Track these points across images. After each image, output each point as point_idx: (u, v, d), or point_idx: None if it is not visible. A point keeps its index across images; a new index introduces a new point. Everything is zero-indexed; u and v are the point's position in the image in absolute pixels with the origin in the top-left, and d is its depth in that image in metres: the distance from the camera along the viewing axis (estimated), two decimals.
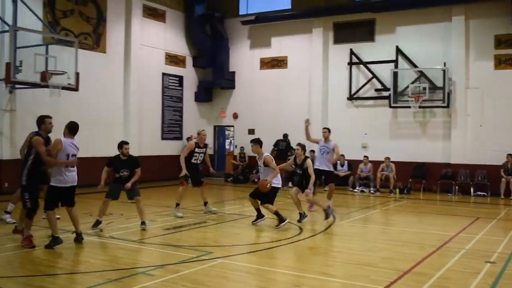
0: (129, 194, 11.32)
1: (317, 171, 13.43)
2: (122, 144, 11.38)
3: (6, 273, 7.39)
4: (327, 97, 22.52)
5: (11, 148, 16.74)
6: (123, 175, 11.18)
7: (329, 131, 14.53)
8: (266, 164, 11.67)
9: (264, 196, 11.60)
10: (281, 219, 11.42)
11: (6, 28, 15.31)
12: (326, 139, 14.34)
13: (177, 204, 12.96)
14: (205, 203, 13.65)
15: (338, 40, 22.42)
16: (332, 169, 14.50)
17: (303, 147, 12.81)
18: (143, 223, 11.15)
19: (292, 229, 11.29)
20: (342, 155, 20.10)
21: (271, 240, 10.21)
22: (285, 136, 21.93)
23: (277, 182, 11.69)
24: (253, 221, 11.96)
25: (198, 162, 13.30)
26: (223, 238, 10.55)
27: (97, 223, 10.90)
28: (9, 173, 16.40)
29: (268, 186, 11.41)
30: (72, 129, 9.42)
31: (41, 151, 8.85)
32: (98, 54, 20.09)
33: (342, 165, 20.57)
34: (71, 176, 9.28)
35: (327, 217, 12.19)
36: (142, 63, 21.87)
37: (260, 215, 11.97)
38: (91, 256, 8.43)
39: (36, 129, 9.43)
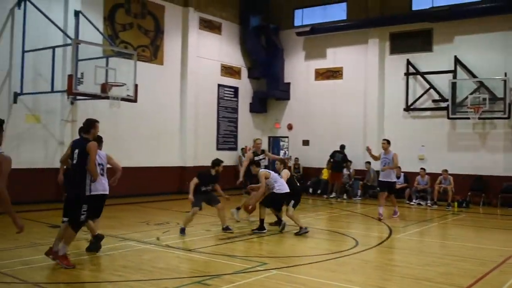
0: (211, 202, 12.04)
1: (380, 183, 15.02)
2: (219, 163, 12.17)
3: (56, 279, 7.60)
4: (383, 108, 22.25)
5: None
6: (208, 189, 11.88)
7: (388, 142, 15.09)
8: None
9: (272, 203, 12.06)
10: (261, 227, 12.01)
11: (69, 41, 15.80)
12: (386, 150, 14.95)
13: (238, 208, 13.79)
14: (237, 208, 14.17)
15: (394, 50, 22.17)
16: (394, 180, 15.25)
17: (282, 161, 13.39)
18: (226, 228, 11.93)
19: (347, 242, 11.18)
20: (398, 167, 19.83)
21: (326, 252, 10.13)
22: (342, 147, 21.75)
23: (279, 188, 11.94)
24: (280, 230, 12.15)
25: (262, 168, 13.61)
26: (278, 249, 10.53)
27: (182, 230, 11.53)
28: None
29: (249, 208, 12.32)
30: (99, 140, 9.33)
31: (92, 159, 8.30)
32: (156, 66, 20.53)
33: (398, 177, 20.19)
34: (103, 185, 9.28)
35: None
36: (198, 74, 22.19)
37: (280, 221, 12.36)
38: (149, 264, 8.56)
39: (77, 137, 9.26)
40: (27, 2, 16.14)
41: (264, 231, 12.01)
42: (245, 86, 25.06)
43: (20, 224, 6.24)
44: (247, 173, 13.44)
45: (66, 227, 8.41)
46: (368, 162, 21.27)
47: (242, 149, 24.10)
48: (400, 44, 22.10)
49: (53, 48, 15.81)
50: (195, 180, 11.68)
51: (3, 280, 7.43)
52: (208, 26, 23.06)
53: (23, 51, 16.11)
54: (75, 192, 8.37)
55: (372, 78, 22.39)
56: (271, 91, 24.88)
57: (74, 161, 8.42)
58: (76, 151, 8.40)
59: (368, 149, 15.28)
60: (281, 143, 26.60)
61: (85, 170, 8.31)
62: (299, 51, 24.88)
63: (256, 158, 13.51)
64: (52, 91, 16.05)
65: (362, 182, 21.35)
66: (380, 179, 15.37)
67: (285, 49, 25.08)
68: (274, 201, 12.15)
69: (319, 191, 21.84)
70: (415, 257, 9.95)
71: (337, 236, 12.08)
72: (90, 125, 8.64)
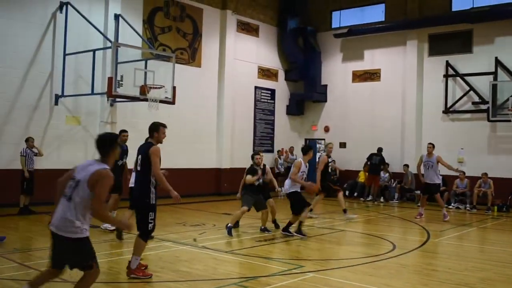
0: (257, 206, 12.17)
1: (425, 185, 15.62)
2: (253, 155, 12.36)
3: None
4: (422, 110, 21.96)
5: None
6: (260, 183, 12.07)
7: (433, 146, 15.47)
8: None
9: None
10: (265, 229, 12.16)
11: (109, 44, 16.08)
12: (430, 154, 15.31)
13: (345, 210, 14.42)
14: (344, 210, 14.68)
15: (433, 52, 21.87)
16: (437, 182, 15.49)
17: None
18: (264, 229, 12.18)
19: (385, 245, 11.09)
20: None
21: (363, 255, 10.06)
22: (380, 150, 21.56)
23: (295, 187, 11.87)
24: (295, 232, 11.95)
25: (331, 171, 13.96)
26: (314, 252, 10.50)
27: (230, 229, 11.73)
28: None
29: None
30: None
31: (155, 162, 7.80)
32: (194, 68, 20.71)
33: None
34: None
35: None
36: (236, 76, 22.30)
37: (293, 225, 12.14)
38: (186, 266, 8.64)
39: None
40: (69, 6, 16.51)
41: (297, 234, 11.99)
42: (282, 88, 25.06)
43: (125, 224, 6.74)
44: (324, 176, 14.28)
45: (136, 238, 7.99)
46: (406, 165, 21.05)
47: (278, 151, 24.11)
48: (439, 45, 21.79)
49: (94, 51, 16.11)
50: (244, 178, 12.06)
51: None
52: (246, 28, 23.15)
53: (65, 54, 16.48)
54: (140, 200, 7.92)
55: (410, 80, 22.13)
56: (308, 93, 24.83)
57: (138, 168, 8.00)
58: (139, 157, 7.99)
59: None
60: (318, 146, 26.49)
61: (148, 177, 7.81)
62: (337, 53, 24.76)
63: (330, 160, 14.66)
64: (92, 93, 16.36)
65: (400, 185, 21.12)
66: (425, 181, 15.62)
67: (323, 51, 24.99)
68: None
69: (355, 194, 21.68)
70: (454, 262, 9.80)
71: (374, 239, 11.98)
72: (153, 128, 8.06)
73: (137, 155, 8.08)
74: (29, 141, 14.60)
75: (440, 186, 16.20)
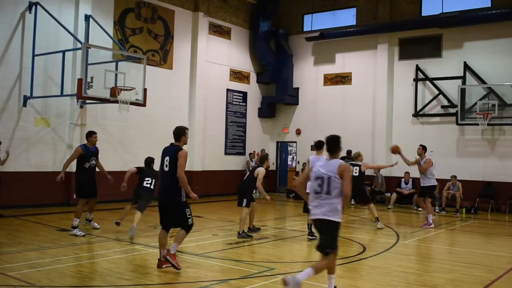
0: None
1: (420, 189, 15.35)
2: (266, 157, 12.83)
3: (63, 283, 7.62)
4: (392, 113, 22.22)
5: None
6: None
7: (423, 148, 15.06)
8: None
9: None
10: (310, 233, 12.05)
11: (79, 45, 15.88)
12: (421, 155, 14.95)
13: (377, 219, 14.16)
14: (377, 218, 14.46)
15: (403, 56, 22.14)
16: (425, 184, 14.95)
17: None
18: (239, 233, 12.02)
19: (355, 247, 11.16)
20: (407, 173, 19.84)
21: None
22: (349, 152, 21.68)
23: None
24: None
25: (356, 174, 14.36)
26: (285, 254, 10.51)
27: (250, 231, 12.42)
28: None
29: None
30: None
31: (182, 165, 8.42)
32: (165, 71, 20.60)
33: (406, 183, 20.21)
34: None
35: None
36: (207, 79, 22.24)
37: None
38: (157, 269, 8.56)
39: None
40: (38, 6, 16.26)
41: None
42: (254, 91, 25.09)
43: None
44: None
45: (163, 233, 8.68)
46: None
47: (250, 154, 24.12)
48: (409, 49, 22.08)
49: (63, 52, 15.90)
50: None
51: (10, 283, 7.47)
52: (218, 31, 23.11)
53: (34, 55, 16.22)
54: (172, 200, 8.50)
55: (381, 84, 22.37)
56: (279, 96, 24.90)
57: (166, 169, 8.53)
58: (167, 158, 8.53)
59: (396, 150, 14.57)
60: (289, 148, 26.60)
61: (176, 177, 8.42)
62: (308, 56, 24.90)
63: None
64: (62, 95, 16.13)
65: (370, 187, 21.28)
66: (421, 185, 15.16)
67: (294, 54, 25.11)
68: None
69: None
70: (423, 264, 9.92)
71: (345, 241, 12.03)
72: (180, 132, 8.73)
73: (163, 157, 8.66)
74: None
75: (428, 188, 15.04)
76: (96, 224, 12.82)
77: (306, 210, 12.04)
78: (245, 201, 12.02)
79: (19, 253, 9.58)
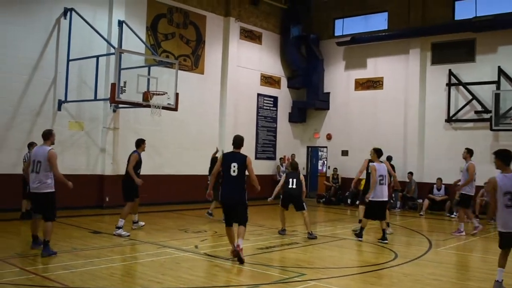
0: (296, 207, 13.16)
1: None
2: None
3: (96, 284, 7.71)
4: (424, 119, 21.95)
5: (113, 164, 17.58)
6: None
7: (468, 151, 14.67)
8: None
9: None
10: (383, 237, 12.30)
11: (112, 50, 16.12)
12: (466, 159, 14.57)
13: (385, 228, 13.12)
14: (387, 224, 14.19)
15: (436, 60, 21.89)
16: (465, 192, 14.42)
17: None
18: (309, 234, 12.63)
19: (387, 254, 11.06)
20: (439, 179, 19.61)
21: (365, 264, 10.04)
22: (389, 158, 21.43)
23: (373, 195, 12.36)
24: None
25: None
26: (315, 260, 10.47)
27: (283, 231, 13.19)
28: (110, 188, 17.22)
29: None
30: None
31: (252, 169, 9.83)
32: (196, 75, 20.75)
33: (439, 189, 19.93)
34: None
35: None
36: (238, 84, 22.33)
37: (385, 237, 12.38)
38: (187, 272, 8.62)
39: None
40: (73, 12, 16.55)
41: (361, 239, 12.51)
42: (284, 95, 25.08)
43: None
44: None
45: (229, 229, 9.76)
46: (410, 173, 21.05)
47: (280, 159, 24.09)
48: (442, 54, 21.81)
49: (97, 57, 16.15)
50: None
51: (45, 284, 7.60)
52: (249, 36, 23.20)
53: (68, 60, 16.52)
54: (241, 200, 9.70)
55: (413, 89, 22.14)
56: (310, 101, 24.85)
57: (234, 174, 9.66)
58: (235, 164, 9.69)
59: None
60: (320, 153, 26.49)
61: (244, 181, 9.71)
62: (339, 61, 24.80)
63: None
64: (95, 99, 16.38)
65: (402, 193, 21.05)
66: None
67: (325, 59, 25.03)
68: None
69: (357, 202, 21.56)
70: (456, 272, 9.78)
71: (376, 248, 11.94)
72: (242, 141, 10.19)
73: (230, 163, 9.74)
74: (32, 146, 14.55)
75: (467, 198, 14.56)
76: (142, 222, 13.43)
77: (371, 215, 12.38)
78: (304, 204, 12.99)
79: (53, 254, 9.73)
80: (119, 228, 12.03)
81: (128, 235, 11.95)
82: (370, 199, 12.29)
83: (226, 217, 9.85)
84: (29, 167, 9.28)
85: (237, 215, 9.67)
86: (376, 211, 12.30)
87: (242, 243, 9.45)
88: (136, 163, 12.52)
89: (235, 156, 9.81)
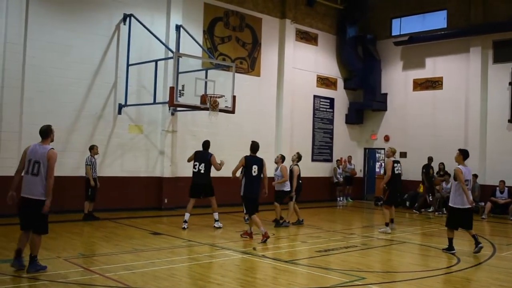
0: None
1: None
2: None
3: (158, 284, 7.82)
4: (486, 119, 21.30)
5: (171, 166, 17.83)
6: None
7: None
8: None
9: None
10: (476, 243, 11.23)
11: (170, 54, 16.35)
12: None
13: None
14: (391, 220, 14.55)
15: (498, 59, 21.22)
16: None
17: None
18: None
19: (448, 259, 10.79)
20: (502, 181, 19.03)
21: (426, 268, 9.83)
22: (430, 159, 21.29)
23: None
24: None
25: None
26: (375, 264, 10.34)
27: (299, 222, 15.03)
28: (169, 190, 17.48)
29: None
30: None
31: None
32: (253, 78, 20.83)
33: (501, 192, 19.32)
34: None
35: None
36: (294, 85, 22.28)
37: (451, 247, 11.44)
38: (246, 274, 8.65)
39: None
40: (132, 18, 16.90)
41: (454, 251, 11.36)
42: (341, 97, 24.87)
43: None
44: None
45: (254, 217, 11.88)
46: (475, 175, 20.48)
47: (337, 161, 23.90)
48: (504, 52, 21.12)
49: (156, 61, 16.42)
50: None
51: (108, 284, 7.76)
52: (305, 37, 23.12)
53: (128, 65, 16.88)
54: (257, 193, 12.06)
55: (474, 88, 21.54)
56: (367, 102, 24.55)
57: (255, 174, 11.92)
58: (255, 166, 11.92)
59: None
60: (377, 155, 26.12)
61: (261, 178, 12.07)
62: (397, 61, 24.40)
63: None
64: (154, 103, 16.65)
65: None
66: None
67: (383, 59, 24.68)
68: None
69: (416, 205, 21.17)
70: None
71: (437, 252, 11.67)
72: (259, 146, 12.36)
73: (252, 165, 11.95)
74: (93, 149, 14.95)
75: None
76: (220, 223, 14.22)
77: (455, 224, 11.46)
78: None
79: (115, 255, 9.96)
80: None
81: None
82: (451, 205, 11.26)
83: (248, 209, 11.94)
84: (89, 170, 9.14)
85: (256, 207, 11.99)
86: (461, 219, 11.29)
87: (263, 229, 11.76)
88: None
89: (253, 159, 12.08)
